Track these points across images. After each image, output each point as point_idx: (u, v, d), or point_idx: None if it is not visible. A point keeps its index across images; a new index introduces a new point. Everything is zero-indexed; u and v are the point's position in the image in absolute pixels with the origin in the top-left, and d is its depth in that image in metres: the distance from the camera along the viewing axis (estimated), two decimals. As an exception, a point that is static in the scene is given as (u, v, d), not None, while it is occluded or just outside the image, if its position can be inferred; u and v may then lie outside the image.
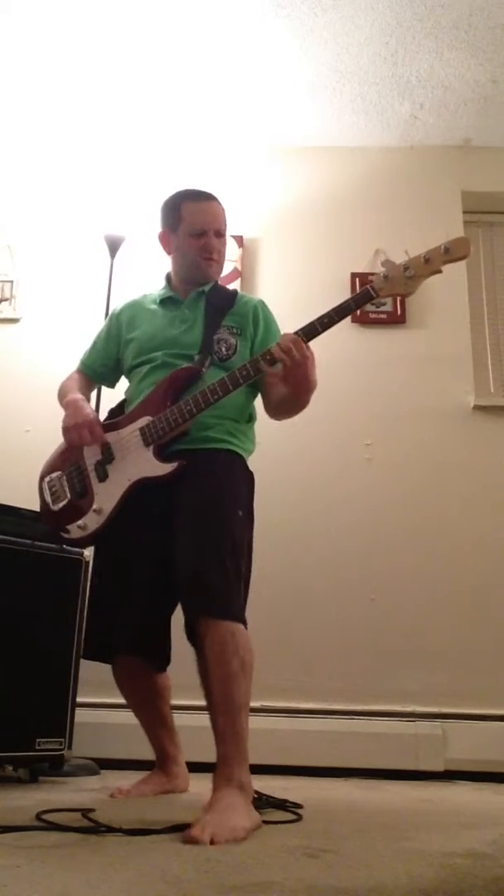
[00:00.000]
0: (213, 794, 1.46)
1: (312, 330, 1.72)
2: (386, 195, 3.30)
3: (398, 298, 3.11)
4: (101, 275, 2.98)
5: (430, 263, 1.74)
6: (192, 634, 1.66)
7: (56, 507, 1.92)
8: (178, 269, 2.03)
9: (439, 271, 1.74)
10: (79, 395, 1.98)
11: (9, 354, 3.16)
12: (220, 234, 1.98)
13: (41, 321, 3.20)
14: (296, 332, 1.72)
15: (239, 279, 3.13)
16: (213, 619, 1.60)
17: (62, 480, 1.92)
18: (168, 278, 2.07)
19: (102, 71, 3.04)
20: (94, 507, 1.84)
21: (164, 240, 2.03)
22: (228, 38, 2.87)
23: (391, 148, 3.38)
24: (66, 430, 1.89)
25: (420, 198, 3.28)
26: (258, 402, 1.97)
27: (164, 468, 1.77)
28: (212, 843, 1.27)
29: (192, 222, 1.95)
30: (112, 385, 2.16)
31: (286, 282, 3.14)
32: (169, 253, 2.04)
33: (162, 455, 1.79)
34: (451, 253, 1.73)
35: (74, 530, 1.87)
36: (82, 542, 1.93)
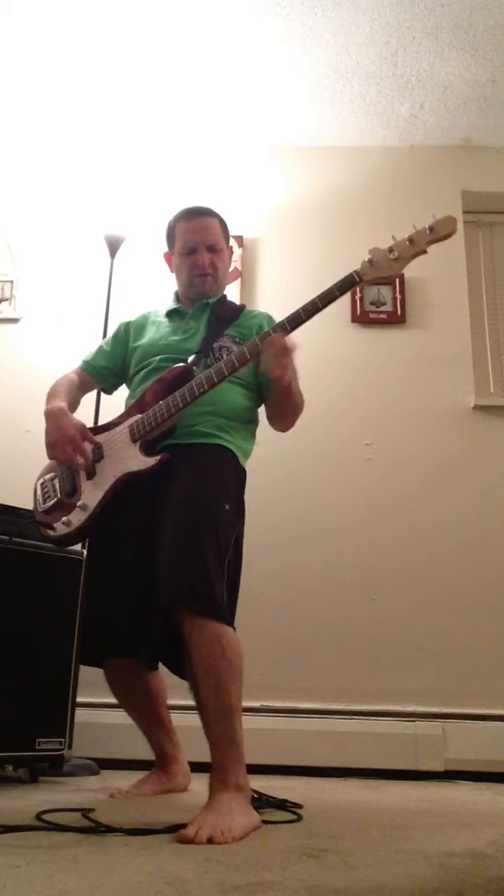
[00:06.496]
0: (209, 798, 1.45)
1: (296, 318, 1.73)
2: (386, 195, 3.29)
3: (398, 299, 3.11)
4: (101, 275, 2.98)
5: (414, 244, 1.73)
6: (174, 658, 1.68)
7: (44, 507, 1.93)
8: (179, 287, 2.08)
9: (424, 251, 1.73)
10: (61, 405, 1.92)
11: (9, 354, 3.16)
12: (213, 249, 1.99)
13: (41, 321, 3.20)
14: (280, 322, 1.74)
15: (239, 279, 3.13)
16: (198, 618, 1.56)
17: (54, 481, 1.94)
18: (176, 295, 2.10)
19: (102, 71, 3.04)
20: (80, 503, 1.85)
21: (168, 260, 2.09)
22: (228, 38, 2.88)
23: (391, 148, 3.38)
24: (49, 448, 1.87)
25: (420, 198, 3.28)
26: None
27: (148, 462, 1.78)
28: (209, 842, 1.26)
29: (182, 242, 2.00)
30: (110, 391, 2.16)
31: (286, 282, 3.13)
32: (172, 272, 2.09)
33: (148, 451, 1.80)
34: (436, 232, 1.71)
35: (59, 527, 1.87)
36: (67, 540, 1.90)
